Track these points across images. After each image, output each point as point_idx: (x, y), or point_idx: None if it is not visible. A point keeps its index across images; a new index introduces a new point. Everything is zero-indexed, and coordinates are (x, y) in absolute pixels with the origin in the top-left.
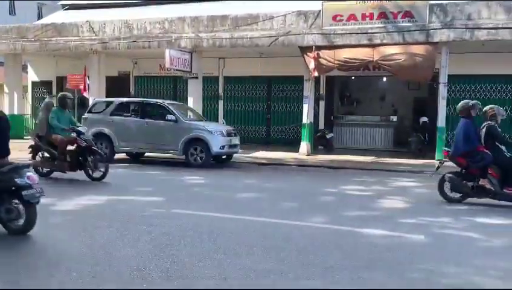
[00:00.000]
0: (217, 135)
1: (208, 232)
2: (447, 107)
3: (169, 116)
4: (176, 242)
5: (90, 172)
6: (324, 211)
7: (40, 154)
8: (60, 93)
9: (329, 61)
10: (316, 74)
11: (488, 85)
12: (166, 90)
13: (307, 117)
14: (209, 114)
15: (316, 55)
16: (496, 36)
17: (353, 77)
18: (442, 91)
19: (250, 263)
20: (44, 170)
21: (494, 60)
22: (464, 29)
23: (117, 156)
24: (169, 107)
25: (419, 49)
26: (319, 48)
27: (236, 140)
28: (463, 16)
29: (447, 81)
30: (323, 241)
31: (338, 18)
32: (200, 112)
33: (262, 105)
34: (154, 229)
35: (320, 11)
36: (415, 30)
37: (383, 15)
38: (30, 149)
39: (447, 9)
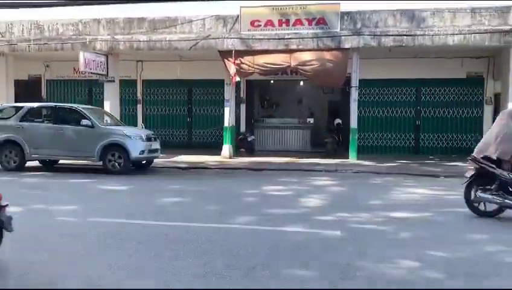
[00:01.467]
0: (135, 139)
1: (128, 239)
2: (358, 109)
3: (84, 122)
4: (94, 251)
5: None
6: (247, 212)
7: None
8: None
9: (249, 66)
10: (237, 78)
11: (395, 88)
12: (81, 94)
13: (228, 120)
14: (128, 119)
15: (236, 60)
16: (401, 43)
17: (272, 81)
18: (354, 94)
19: (172, 268)
20: None
21: (400, 65)
22: (372, 37)
23: (29, 163)
24: (84, 111)
25: (332, 55)
26: (238, 52)
27: (156, 144)
28: (371, 24)
29: (358, 85)
30: (246, 242)
31: (256, 23)
32: (118, 117)
33: (183, 109)
34: (69, 240)
35: (238, 15)
36: (327, 37)
37: (298, 21)
38: None
39: (356, 17)
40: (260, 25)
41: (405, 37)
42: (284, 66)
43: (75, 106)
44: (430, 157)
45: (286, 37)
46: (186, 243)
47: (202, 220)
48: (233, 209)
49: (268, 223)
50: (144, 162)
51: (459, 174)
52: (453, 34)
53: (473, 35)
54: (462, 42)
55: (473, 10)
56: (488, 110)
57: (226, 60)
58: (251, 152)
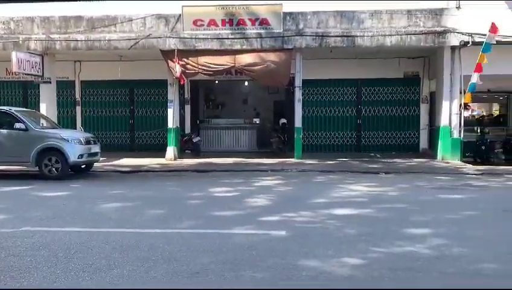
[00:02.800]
0: (74, 143)
1: (65, 249)
2: (302, 109)
3: (18, 125)
4: (27, 263)
5: None
6: (191, 216)
7: None
8: None
9: (193, 66)
10: (183, 80)
11: (336, 88)
12: (15, 96)
13: (172, 121)
14: (66, 121)
15: (179, 60)
16: (341, 43)
17: (217, 81)
18: (298, 94)
19: (110, 278)
20: None
21: (341, 65)
22: (314, 37)
23: None
24: (18, 114)
25: (275, 56)
26: (181, 52)
27: (96, 148)
28: (313, 25)
29: (301, 85)
30: (190, 246)
31: (199, 23)
32: (55, 119)
33: (125, 110)
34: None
35: (180, 15)
36: (271, 37)
37: (241, 22)
38: None
39: (298, 18)
40: (203, 25)
41: (345, 38)
42: (229, 66)
43: (6, 108)
44: (371, 154)
45: (230, 37)
46: (126, 250)
47: (144, 225)
48: (177, 213)
49: (213, 226)
50: (84, 166)
51: (398, 170)
52: (391, 35)
53: (409, 36)
54: (399, 43)
55: (409, 12)
56: (424, 108)
57: (168, 60)
58: (197, 153)
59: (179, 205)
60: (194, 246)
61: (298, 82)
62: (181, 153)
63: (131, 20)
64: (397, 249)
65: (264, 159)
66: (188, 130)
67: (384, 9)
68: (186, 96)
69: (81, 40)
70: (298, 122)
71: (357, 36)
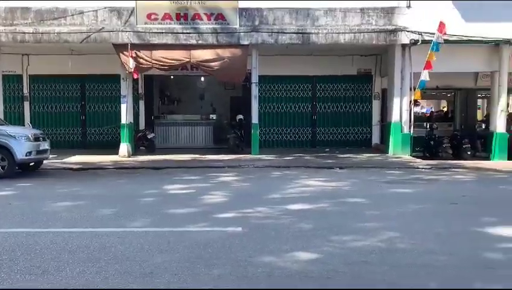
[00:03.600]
0: (21, 140)
1: (10, 251)
2: (259, 105)
3: None
4: None
5: None
6: (146, 214)
7: None
8: None
9: (147, 61)
10: (136, 75)
11: (292, 85)
12: None
13: (125, 117)
14: (13, 117)
15: (132, 54)
16: (297, 40)
17: (172, 76)
18: (254, 90)
19: (60, 279)
20: None
21: (297, 62)
22: (270, 34)
23: None
24: None
25: (231, 52)
26: (135, 46)
27: (45, 145)
28: (268, 21)
29: (258, 81)
30: (144, 245)
31: (153, 17)
32: (1, 115)
33: (76, 106)
34: None
35: (134, 8)
36: (227, 33)
37: (197, 16)
38: None
39: (254, 14)
40: (157, 19)
41: (300, 34)
42: (184, 61)
43: None
44: (326, 150)
45: (185, 31)
46: (76, 250)
47: (96, 224)
48: (130, 212)
49: (168, 224)
50: (32, 164)
51: (351, 165)
52: (344, 33)
53: (362, 34)
54: (352, 41)
55: (362, 10)
56: (376, 104)
57: (121, 54)
58: (151, 150)
59: (132, 203)
60: (148, 245)
61: (255, 78)
62: (135, 150)
63: (83, 13)
64: (351, 243)
65: (221, 156)
66: (142, 126)
67: (338, 7)
68: (140, 91)
69: (29, 33)
70: (255, 119)
71: (312, 33)
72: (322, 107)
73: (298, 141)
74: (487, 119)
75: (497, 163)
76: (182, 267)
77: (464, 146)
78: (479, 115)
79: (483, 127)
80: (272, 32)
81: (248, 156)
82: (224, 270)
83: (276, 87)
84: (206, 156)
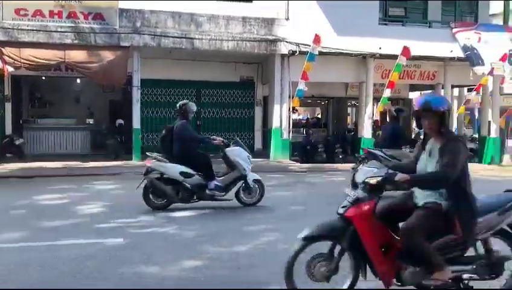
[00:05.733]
0: None
1: None
2: (141, 109)
3: None
4: None
5: None
6: (13, 228)
7: None
8: None
9: (15, 60)
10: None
11: (176, 89)
12: None
13: None
14: None
15: None
16: (180, 45)
17: (44, 77)
18: (136, 94)
19: None
20: None
21: (181, 66)
22: (152, 37)
23: None
24: None
25: (111, 53)
26: (1, 43)
27: None
28: (151, 24)
29: (139, 85)
30: (18, 262)
31: (22, 12)
32: None
33: None
34: None
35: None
36: (106, 33)
37: (72, 14)
38: None
39: (135, 15)
40: (27, 14)
41: (184, 39)
42: (57, 61)
43: None
44: (211, 155)
45: (59, 30)
46: None
47: None
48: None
49: (41, 238)
50: None
51: None
52: (228, 40)
53: (244, 42)
54: (235, 48)
55: (244, 19)
56: (258, 111)
57: None
58: (20, 157)
59: (2, 216)
60: (23, 261)
61: (136, 81)
62: (1, 158)
63: None
64: (236, 247)
65: (99, 162)
66: (9, 131)
67: (221, 14)
68: (6, 93)
69: None
70: (136, 124)
71: (195, 38)
72: (207, 113)
73: None
74: (356, 126)
75: None
76: (61, 283)
77: (336, 150)
78: (349, 122)
79: (353, 132)
80: (155, 35)
81: (129, 163)
82: (107, 283)
83: (159, 91)
84: (83, 163)
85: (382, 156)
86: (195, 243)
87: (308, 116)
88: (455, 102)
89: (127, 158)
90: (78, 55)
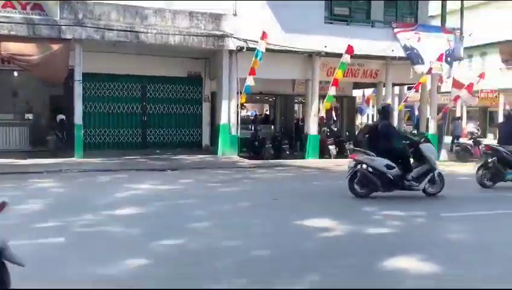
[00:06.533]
0: None
1: None
2: (83, 104)
3: None
4: None
5: None
6: None
7: None
8: None
9: None
10: None
11: (121, 84)
12: None
13: None
14: None
15: None
16: (125, 38)
17: None
18: (78, 89)
19: None
20: None
21: (126, 60)
22: (96, 29)
23: None
24: None
25: (52, 46)
26: None
27: None
28: (94, 16)
29: (82, 79)
30: None
31: None
32: None
33: None
34: None
35: None
36: (45, 25)
37: (8, 4)
38: None
39: (77, 7)
40: None
41: (129, 32)
42: None
43: None
44: (157, 151)
45: None
46: None
47: None
48: None
49: None
50: None
51: (183, 167)
52: (174, 34)
53: (191, 37)
54: (182, 43)
55: (191, 14)
56: (206, 106)
57: None
58: None
59: None
60: None
61: (78, 75)
62: None
63: None
64: (181, 245)
65: (39, 160)
66: None
67: (167, 8)
68: None
69: None
70: (78, 119)
71: (141, 32)
72: (153, 108)
73: (128, 143)
74: (302, 122)
75: (311, 161)
76: None
77: (283, 146)
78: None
79: (299, 129)
80: (98, 27)
81: (71, 160)
82: (45, 284)
83: (103, 85)
84: (21, 160)
85: (506, 152)
86: (138, 240)
87: (257, 113)
88: (396, 100)
89: (69, 155)
90: (15, 47)
